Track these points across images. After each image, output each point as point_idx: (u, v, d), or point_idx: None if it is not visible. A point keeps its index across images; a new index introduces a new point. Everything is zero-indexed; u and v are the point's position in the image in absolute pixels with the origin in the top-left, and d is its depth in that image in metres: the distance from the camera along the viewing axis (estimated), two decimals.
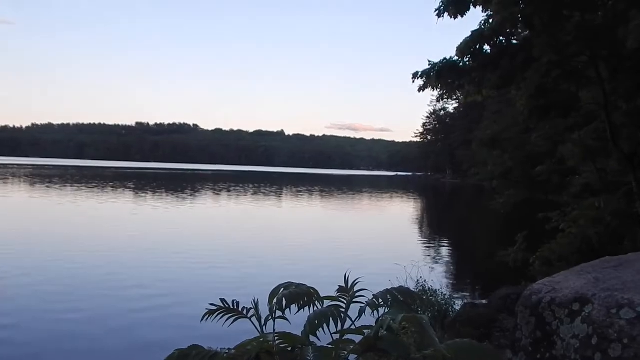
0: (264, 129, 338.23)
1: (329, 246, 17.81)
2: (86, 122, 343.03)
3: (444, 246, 20.37)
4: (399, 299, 1.82)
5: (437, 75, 10.50)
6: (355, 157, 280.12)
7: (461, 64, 10.68)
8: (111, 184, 52.09)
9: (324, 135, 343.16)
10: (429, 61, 10.72)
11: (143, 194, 39.42)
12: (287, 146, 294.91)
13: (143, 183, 56.11)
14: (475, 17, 10.73)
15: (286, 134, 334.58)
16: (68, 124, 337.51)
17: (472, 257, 18.18)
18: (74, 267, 12.78)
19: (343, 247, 17.49)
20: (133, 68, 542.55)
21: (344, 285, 2.05)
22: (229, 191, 47.56)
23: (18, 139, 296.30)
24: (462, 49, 10.41)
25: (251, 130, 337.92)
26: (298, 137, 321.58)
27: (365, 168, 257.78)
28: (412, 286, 7.58)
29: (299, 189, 58.08)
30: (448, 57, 10.71)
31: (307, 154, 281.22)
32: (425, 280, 8.76)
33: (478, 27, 10.68)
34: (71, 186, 44.93)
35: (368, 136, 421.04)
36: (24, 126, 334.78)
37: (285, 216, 28.77)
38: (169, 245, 16.64)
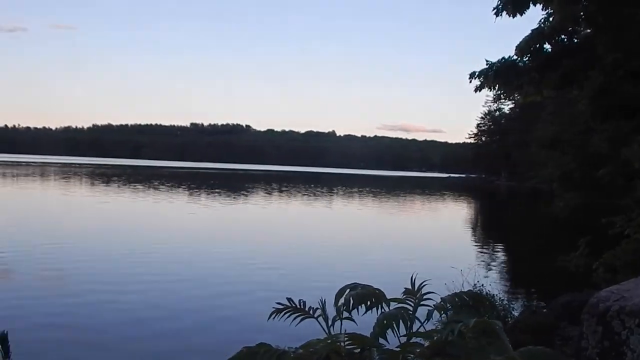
0: (315, 130, 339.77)
1: (382, 247, 17.72)
2: (143, 122, 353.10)
3: (499, 250, 19.92)
4: (468, 303, 1.80)
5: (494, 75, 10.28)
6: (407, 159, 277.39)
7: (520, 64, 10.43)
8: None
9: (375, 136, 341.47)
10: (487, 61, 10.52)
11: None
12: (338, 147, 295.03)
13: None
14: (533, 17, 10.46)
15: (337, 134, 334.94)
16: (126, 125, 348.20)
17: (528, 262, 17.70)
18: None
19: (397, 249, 17.36)
20: (188, 70, 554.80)
21: (409, 287, 2.04)
22: (280, 192, 47.99)
23: (79, 139, 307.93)
24: (521, 48, 10.16)
25: (302, 130, 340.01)
26: (349, 138, 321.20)
27: (417, 169, 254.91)
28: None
29: (350, 189, 58.02)
30: (506, 57, 10.48)
31: (357, 155, 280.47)
32: (482, 285, 8.59)
33: (537, 25, 10.41)
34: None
35: (420, 137, 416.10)
36: (85, 127, 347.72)
37: (335, 217, 28.79)
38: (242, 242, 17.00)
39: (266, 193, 44.96)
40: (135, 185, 44.26)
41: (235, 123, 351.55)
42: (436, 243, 20.13)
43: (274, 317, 1.96)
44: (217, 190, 46.46)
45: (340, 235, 20.57)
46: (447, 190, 72.26)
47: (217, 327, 8.32)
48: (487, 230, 28.79)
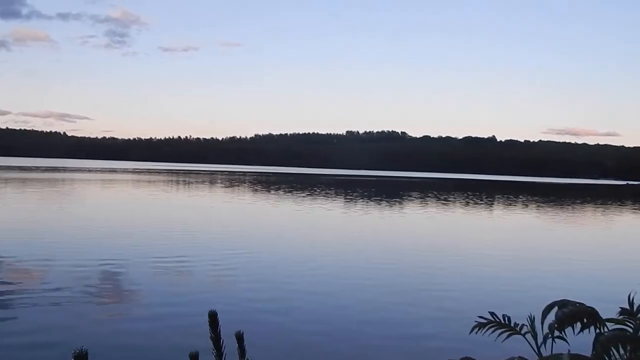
0: (473, 135, 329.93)
1: (554, 260, 16.46)
2: (301, 132, 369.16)
3: None
4: None
5: None
6: (576, 164, 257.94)
7: None
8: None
9: (539, 141, 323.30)
10: None
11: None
12: (498, 152, 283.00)
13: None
14: None
15: (497, 139, 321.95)
16: (286, 134, 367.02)
17: None
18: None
19: (571, 262, 16.02)
20: (342, 79, 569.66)
21: (627, 307, 1.75)
22: (438, 199, 47.06)
23: (243, 148, 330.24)
24: None
25: (460, 136, 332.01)
26: (510, 143, 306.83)
27: (587, 176, 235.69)
28: None
29: (512, 198, 55.16)
30: None
31: (519, 161, 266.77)
32: None
33: None
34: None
35: (591, 141, 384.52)
36: (248, 137, 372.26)
37: (510, 226, 27.33)
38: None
39: (424, 201, 44.29)
40: (316, 195, 45.97)
41: (390, 130, 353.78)
42: (621, 258, 18.16)
43: (476, 332, 1.78)
44: (387, 198, 46.77)
45: (523, 246, 19.47)
46: (627, 198, 65.65)
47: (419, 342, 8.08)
48: None
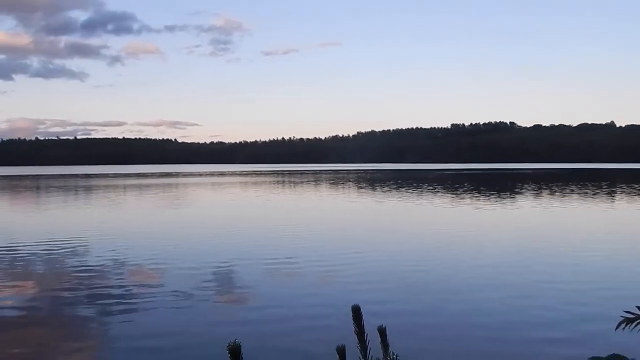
0: (589, 122, 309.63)
1: None
2: (404, 127, 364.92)
3: None
4: None
5: None
6: None
7: None
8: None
9: None
10: None
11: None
12: (616, 139, 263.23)
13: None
14: None
15: (617, 125, 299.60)
16: (388, 130, 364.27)
17: None
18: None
19: None
20: (445, 72, 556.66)
21: None
22: (550, 190, 44.59)
23: (346, 147, 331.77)
24: None
25: (575, 124, 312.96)
26: (631, 128, 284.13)
27: None
28: None
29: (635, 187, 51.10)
30: None
31: None
32: None
33: None
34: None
35: None
36: (350, 135, 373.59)
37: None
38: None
39: (553, 193, 42.12)
40: (438, 192, 45.44)
41: (498, 121, 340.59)
42: None
43: (623, 327, 1.68)
44: (501, 191, 45.28)
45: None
46: None
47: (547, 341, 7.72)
48: None
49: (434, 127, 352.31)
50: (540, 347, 7.12)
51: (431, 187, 49.45)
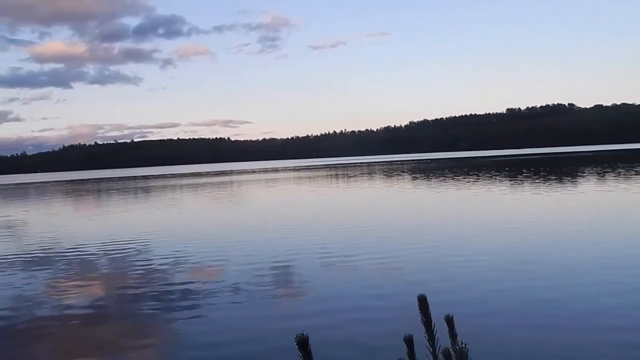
0: None
1: None
2: (458, 114, 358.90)
3: None
4: None
5: None
6: None
7: None
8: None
9: None
10: None
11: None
12: None
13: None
14: None
15: None
16: (441, 119, 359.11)
17: None
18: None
19: None
20: (498, 56, 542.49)
21: None
22: (624, 172, 42.58)
23: (398, 137, 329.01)
24: None
25: (638, 102, 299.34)
26: None
27: None
28: None
29: None
30: None
31: None
32: None
33: None
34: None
35: None
36: (402, 125, 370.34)
37: None
38: None
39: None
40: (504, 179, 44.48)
41: (556, 103, 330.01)
42: None
43: None
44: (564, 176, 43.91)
45: None
46: None
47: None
48: None
49: (489, 113, 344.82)
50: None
51: (488, 175, 48.42)
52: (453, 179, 44.77)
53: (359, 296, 9.33)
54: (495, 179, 42.13)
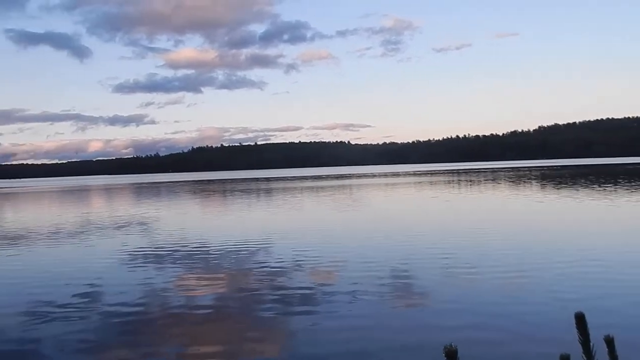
0: None
1: None
2: (592, 119, 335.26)
3: None
4: None
5: None
6: None
7: None
8: None
9: None
10: None
11: None
12: None
13: None
14: None
15: None
16: (574, 123, 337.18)
17: None
18: None
19: None
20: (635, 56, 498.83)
21: None
22: None
23: (526, 142, 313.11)
24: None
25: None
26: None
27: None
28: None
29: None
30: None
31: None
32: None
33: None
34: None
35: None
36: (531, 129, 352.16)
37: None
38: None
39: None
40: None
41: None
42: None
43: None
44: None
45: None
46: None
47: None
48: None
49: (628, 117, 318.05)
50: None
51: (628, 183, 44.63)
52: (588, 187, 41.78)
53: (483, 313, 8.93)
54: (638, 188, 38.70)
